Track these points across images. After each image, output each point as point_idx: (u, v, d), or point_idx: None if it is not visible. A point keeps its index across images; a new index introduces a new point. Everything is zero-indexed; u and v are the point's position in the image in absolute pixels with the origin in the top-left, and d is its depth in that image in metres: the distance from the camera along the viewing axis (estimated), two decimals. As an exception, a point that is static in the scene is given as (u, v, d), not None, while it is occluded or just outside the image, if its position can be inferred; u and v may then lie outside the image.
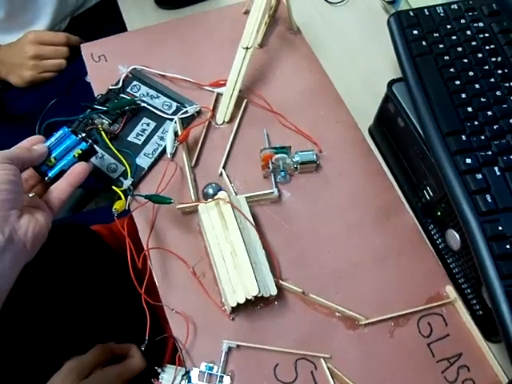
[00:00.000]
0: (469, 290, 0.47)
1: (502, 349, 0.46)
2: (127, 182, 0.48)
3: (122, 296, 0.59)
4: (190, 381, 0.42)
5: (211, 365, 0.43)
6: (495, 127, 0.45)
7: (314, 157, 0.50)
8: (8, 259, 0.36)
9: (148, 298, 0.43)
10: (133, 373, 0.48)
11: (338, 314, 0.45)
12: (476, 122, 0.45)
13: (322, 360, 0.43)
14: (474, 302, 0.46)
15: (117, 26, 0.68)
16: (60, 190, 0.43)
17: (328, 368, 0.43)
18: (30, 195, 0.42)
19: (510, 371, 0.44)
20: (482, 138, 0.44)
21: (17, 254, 0.37)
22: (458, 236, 0.45)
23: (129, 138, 0.52)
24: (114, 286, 0.59)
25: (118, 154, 0.49)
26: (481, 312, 0.46)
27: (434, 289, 0.47)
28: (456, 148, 0.44)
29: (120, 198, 0.45)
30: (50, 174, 0.44)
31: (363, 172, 0.52)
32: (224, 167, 0.51)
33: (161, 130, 0.52)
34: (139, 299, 0.43)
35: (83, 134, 0.46)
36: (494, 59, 0.49)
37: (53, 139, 0.45)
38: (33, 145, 0.44)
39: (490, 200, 0.42)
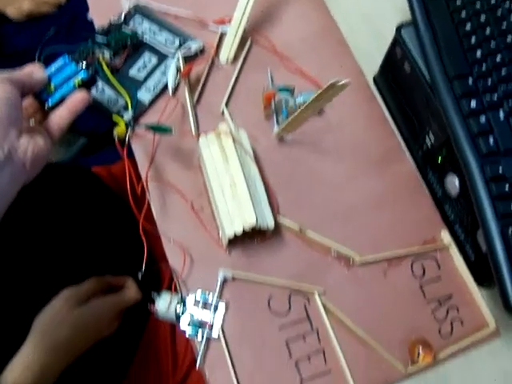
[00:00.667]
0: (463, 236, 0.47)
1: (491, 294, 0.46)
2: (128, 115, 0.47)
3: (119, 233, 0.59)
4: (185, 306, 0.43)
5: (206, 293, 0.43)
6: (503, 72, 0.44)
7: (318, 99, 0.49)
8: (7, 176, 0.36)
9: (146, 225, 0.43)
10: (128, 303, 0.49)
11: (333, 252, 0.46)
12: (484, 66, 0.44)
13: (316, 294, 0.44)
14: (468, 247, 0.47)
15: None
16: (60, 117, 0.42)
17: (321, 302, 0.44)
18: (30, 123, 0.42)
19: (498, 314, 0.45)
20: (489, 81, 0.44)
21: (16, 172, 0.37)
22: (457, 181, 0.46)
23: (130, 73, 0.51)
24: (111, 224, 0.59)
25: (119, 87, 0.49)
26: (474, 257, 0.46)
27: (429, 233, 0.48)
28: (461, 91, 0.43)
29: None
30: (49, 102, 0.43)
31: (365, 117, 0.52)
32: (226, 106, 0.50)
33: (163, 66, 0.51)
34: (136, 234, 0.43)
35: (84, 63, 0.45)
36: (507, 4, 0.48)
37: (52, 68, 0.44)
38: (32, 72, 0.43)
39: (492, 142, 0.42)
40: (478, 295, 0.45)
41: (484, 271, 0.48)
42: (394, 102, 0.54)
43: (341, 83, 0.42)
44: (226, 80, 0.52)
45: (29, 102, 0.44)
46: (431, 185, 0.50)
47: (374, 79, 0.57)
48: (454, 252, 0.47)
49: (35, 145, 0.38)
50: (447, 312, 0.45)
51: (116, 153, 0.44)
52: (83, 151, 0.60)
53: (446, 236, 0.47)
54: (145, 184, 0.45)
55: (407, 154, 0.52)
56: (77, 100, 0.43)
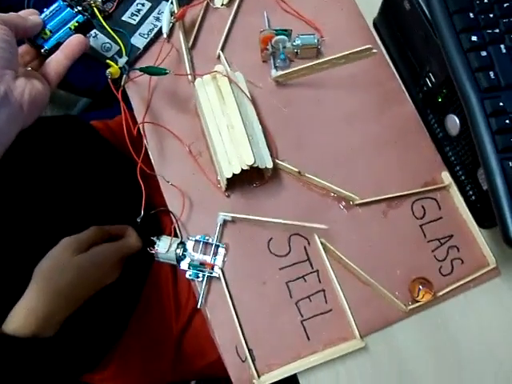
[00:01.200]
0: (464, 177, 0.47)
1: (492, 234, 0.46)
2: (122, 60, 0.47)
3: (118, 182, 0.59)
4: (185, 250, 0.43)
5: (206, 236, 0.44)
6: (505, 5, 0.43)
7: (316, 41, 0.48)
8: (4, 116, 0.35)
9: (144, 172, 0.43)
10: (129, 251, 0.49)
11: (332, 194, 0.46)
12: (486, 0, 0.43)
13: (316, 235, 0.44)
14: (468, 188, 0.47)
15: None
16: (57, 62, 0.42)
17: (321, 243, 0.44)
18: (28, 69, 0.41)
19: (499, 254, 0.45)
20: (491, 15, 0.43)
21: (13, 113, 0.36)
22: (457, 120, 0.45)
23: (123, 18, 0.49)
24: (109, 174, 0.59)
25: (112, 32, 0.48)
26: (474, 198, 0.46)
27: (429, 175, 0.47)
28: (462, 26, 0.42)
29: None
30: (46, 46, 0.42)
31: (365, 60, 0.50)
32: (222, 50, 0.49)
33: (156, 10, 0.50)
34: (135, 184, 0.43)
35: (79, 8, 0.44)
36: None
37: (47, 12, 0.43)
38: (26, 15, 0.42)
39: (493, 77, 0.41)
40: (479, 234, 0.45)
41: (484, 211, 0.47)
42: (394, 45, 0.53)
43: (373, 51, 0.42)
44: (222, 23, 0.51)
45: (25, 49, 0.43)
46: (431, 126, 0.49)
47: (374, 23, 0.55)
48: (455, 192, 0.47)
49: (32, 87, 0.38)
50: (447, 251, 0.45)
51: (114, 110, 0.44)
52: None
53: (446, 177, 0.47)
54: (141, 129, 0.45)
55: (407, 96, 0.51)
56: (73, 44, 0.42)
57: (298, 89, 0.49)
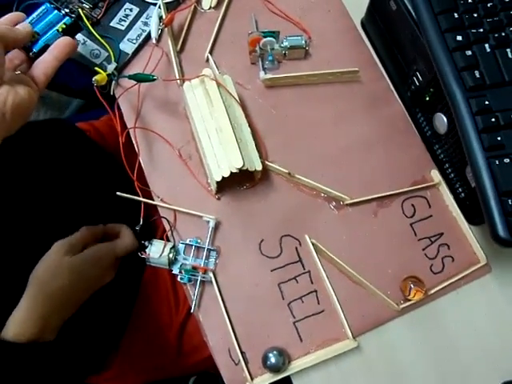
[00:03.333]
0: (453, 175, 0.47)
1: (482, 231, 0.47)
2: (111, 67, 0.47)
3: (107, 185, 0.59)
4: (177, 254, 0.43)
5: (198, 239, 0.44)
6: (489, 5, 0.43)
7: (303, 42, 0.49)
8: None
9: (139, 184, 0.43)
10: (125, 250, 0.49)
11: (323, 194, 0.46)
12: (470, 0, 0.44)
13: (307, 236, 0.44)
14: (458, 185, 0.47)
15: None
16: (45, 63, 0.42)
17: (312, 244, 0.44)
18: (17, 73, 0.41)
19: (489, 251, 0.46)
20: (475, 15, 0.43)
21: None
22: (445, 118, 0.45)
23: (111, 24, 0.50)
24: (98, 177, 0.59)
25: (101, 39, 0.48)
26: (463, 195, 0.46)
27: (419, 173, 0.48)
28: (447, 26, 0.43)
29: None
30: (34, 49, 0.42)
31: (353, 61, 0.51)
32: (210, 53, 0.50)
33: (144, 15, 0.50)
34: (125, 186, 0.43)
35: (66, 10, 0.44)
36: None
37: (34, 15, 0.44)
38: (13, 22, 0.42)
39: (478, 76, 0.41)
40: (469, 232, 0.46)
41: (474, 208, 0.48)
42: (382, 44, 0.53)
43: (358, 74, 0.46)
44: (210, 26, 0.51)
45: (14, 55, 0.43)
46: (420, 125, 0.50)
47: (362, 22, 0.55)
48: (444, 190, 0.47)
49: (16, 95, 0.38)
50: (438, 249, 0.45)
51: (101, 110, 0.44)
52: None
53: (435, 175, 0.47)
54: (132, 134, 0.45)
55: (396, 96, 0.51)
56: (61, 45, 0.42)
57: (286, 90, 0.49)
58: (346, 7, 0.54)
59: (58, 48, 0.41)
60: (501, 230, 0.39)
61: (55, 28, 0.43)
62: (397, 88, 0.51)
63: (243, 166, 0.41)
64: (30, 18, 0.43)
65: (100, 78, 0.42)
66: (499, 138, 0.40)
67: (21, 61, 0.43)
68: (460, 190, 0.47)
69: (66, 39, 0.42)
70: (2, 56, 0.37)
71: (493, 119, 0.40)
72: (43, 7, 0.44)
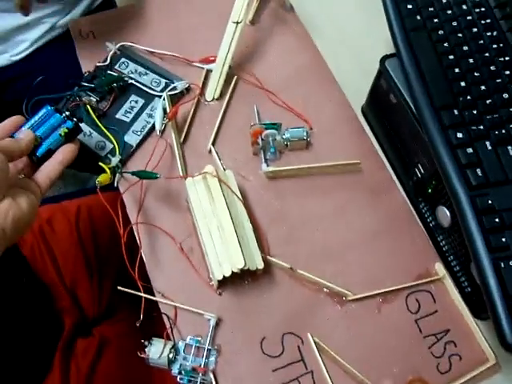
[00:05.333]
0: (458, 268, 0.47)
1: (489, 326, 0.45)
2: (115, 160, 0.48)
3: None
4: (177, 353, 0.42)
5: (198, 338, 0.43)
6: (488, 102, 0.44)
7: (305, 134, 0.49)
8: None
9: (140, 281, 0.43)
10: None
11: (325, 289, 0.45)
12: (469, 97, 0.44)
13: (309, 335, 0.43)
14: (463, 279, 0.46)
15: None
16: (50, 168, 0.43)
17: (315, 342, 0.43)
18: (20, 177, 0.42)
19: (497, 348, 0.44)
20: (475, 112, 0.44)
21: None
22: (448, 212, 0.45)
23: (117, 116, 0.51)
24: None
25: (106, 131, 0.49)
26: (469, 289, 0.45)
27: (423, 266, 0.47)
28: (448, 122, 0.43)
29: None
30: (37, 153, 0.43)
31: (354, 151, 0.51)
32: (213, 144, 0.51)
33: (149, 107, 0.52)
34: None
35: (67, 113, 0.45)
36: (489, 34, 0.48)
37: (36, 118, 0.44)
38: (14, 126, 0.43)
39: (480, 174, 0.41)
40: (476, 329, 0.44)
41: (481, 303, 0.47)
42: (383, 133, 0.54)
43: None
44: (213, 117, 0.52)
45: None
46: (423, 215, 0.50)
47: (362, 110, 0.57)
48: (449, 284, 0.46)
49: (17, 209, 0.38)
50: (445, 347, 0.44)
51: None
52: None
53: (440, 268, 0.46)
54: (135, 229, 0.45)
55: (398, 184, 0.51)
56: (65, 151, 0.44)
57: (288, 181, 0.49)
58: (347, 95, 0.55)
59: (63, 154, 0.43)
60: (509, 336, 0.37)
61: (57, 132, 0.44)
62: (399, 177, 0.52)
63: (245, 266, 0.40)
64: (32, 122, 0.43)
65: (103, 179, 0.42)
66: (504, 239, 0.39)
67: (24, 163, 0.43)
68: (465, 284, 0.46)
69: (69, 146, 0.43)
70: (7, 169, 0.38)
71: (497, 219, 0.40)
72: (44, 111, 0.44)
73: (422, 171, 0.48)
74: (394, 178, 0.52)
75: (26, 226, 0.39)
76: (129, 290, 0.44)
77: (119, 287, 0.44)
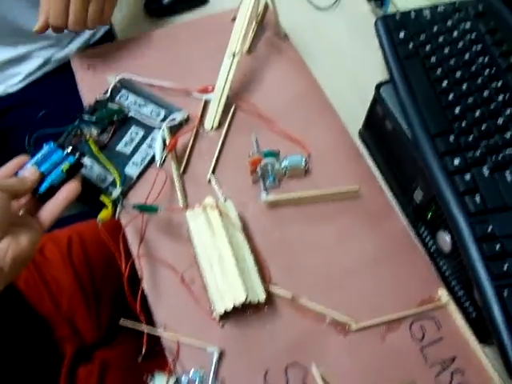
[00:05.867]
0: (461, 293, 0.46)
1: (496, 351, 0.45)
2: (116, 192, 0.48)
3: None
4: (180, 387, 0.42)
5: (201, 371, 0.42)
6: (483, 127, 0.44)
7: (303, 161, 0.50)
8: None
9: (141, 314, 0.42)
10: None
11: (328, 319, 0.45)
12: (464, 123, 0.45)
13: (314, 365, 0.43)
14: (467, 304, 0.46)
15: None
16: (53, 206, 0.43)
17: (319, 374, 0.42)
18: (20, 213, 0.42)
19: (505, 373, 0.43)
20: (470, 138, 0.44)
21: None
22: (448, 238, 0.45)
23: (118, 148, 0.52)
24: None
25: (107, 163, 0.49)
26: (474, 314, 0.45)
27: (426, 292, 0.47)
28: (444, 149, 0.44)
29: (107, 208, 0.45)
30: (40, 190, 0.43)
31: (353, 176, 0.52)
32: (213, 173, 0.51)
33: (149, 138, 0.52)
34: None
35: (70, 148, 0.46)
36: (481, 59, 0.48)
37: (39, 155, 0.45)
38: (19, 165, 0.44)
39: (478, 201, 0.41)
40: (483, 356, 0.44)
41: (487, 328, 0.46)
42: (381, 157, 0.54)
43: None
44: (212, 146, 0.53)
45: None
46: (424, 240, 0.49)
47: (360, 134, 0.57)
48: (453, 310, 0.46)
49: (16, 247, 0.38)
50: (452, 376, 0.43)
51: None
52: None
53: (443, 294, 0.46)
54: (137, 261, 0.45)
55: (398, 208, 0.51)
56: (69, 189, 0.44)
57: (288, 209, 0.50)
58: (344, 120, 0.56)
59: (66, 192, 0.43)
60: (515, 365, 0.37)
61: (60, 168, 0.44)
62: (398, 201, 0.52)
63: (246, 299, 0.40)
64: (36, 159, 0.44)
65: (105, 215, 0.43)
66: (506, 267, 0.39)
67: (26, 199, 0.44)
68: (470, 309, 0.45)
69: (73, 183, 0.44)
70: (9, 208, 0.38)
71: (497, 246, 0.39)
72: (47, 147, 0.45)
73: (421, 196, 0.48)
74: (394, 202, 0.52)
75: (25, 264, 0.39)
76: (130, 325, 0.44)
77: (121, 321, 0.44)
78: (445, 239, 0.45)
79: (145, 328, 0.42)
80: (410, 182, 0.49)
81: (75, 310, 0.61)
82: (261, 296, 0.42)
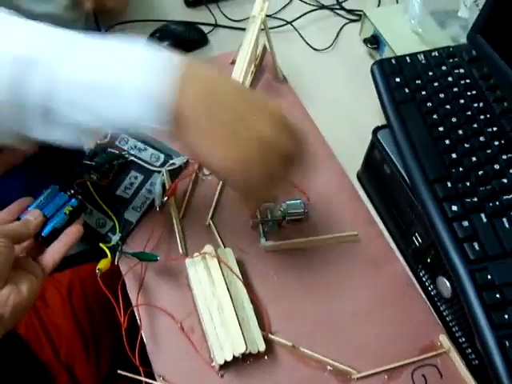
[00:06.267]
0: (463, 339, 0.46)
1: (501, 399, 0.44)
2: (115, 238, 0.48)
3: None
4: None
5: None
6: (480, 173, 0.45)
7: (302, 206, 0.50)
8: None
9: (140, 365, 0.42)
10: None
11: (329, 367, 0.44)
12: (461, 168, 0.45)
13: (315, 418, 0.42)
14: (469, 351, 0.45)
15: None
16: (54, 250, 0.43)
17: (321, 426, 0.42)
18: (21, 255, 0.42)
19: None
20: (468, 184, 0.44)
21: None
22: (448, 284, 0.45)
23: (117, 192, 0.52)
24: None
25: (107, 209, 0.50)
26: (477, 361, 0.45)
27: (427, 338, 0.46)
28: (442, 195, 0.44)
29: (106, 255, 0.45)
30: (42, 233, 0.43)
31: (352, 219, 0.52)
32: (212, 218, 0.51)
33: (149, 182, 0.53)
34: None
35: (72, 191, 0.46)
36: (476, 104, 0.49)
37: (42, 198, 0.45)
38: (22, 208, 0.44)
39: (477, 248, 0.41)
40: (486, 404, 0.43)
41: (489, 376, 0.46)
42: (379, 200, 0.54)
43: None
44: (211, 191, 0.53)
45: None
46: (424, 284, 0.49)
47: (358, 176, 0.57)
48: (455, 357, 0.45)
49: (17, 295, 0.38)
50: (455, 427, 0.43)
51: None
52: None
53: (444, 340, 0.46)
54: (136, 312, 0.45)
55: (397, 252, 0.51)
56: (71, 233, 0.44)
57: (287, 254, 0.50)
58: (341, 162, 0.56)
59: (69, 236, 0.43)
60: (519, 418, 0.36)
61: (63, 210, 0.44)
62: (398, 244, 0.52)
63: (246, 350, 0.40)
64: (38, 201, 0.44)
65: (103, 265, 0.42)
66: (507, 316, 0.39)
67: (29, 243, 0.43)
68: (472, 355, 0.45)
69: (75, 227, 0.44)
70: (11, 255, 0.38)
71: (498, 295, 0.39)
72: (50, 190, 0.45)
73: (420, 240, 0.48)
74: (393, 244, 0.52)
75: (25, 311, 0.39)
76: (129, 374, 0.43)
77: (119, 371, 0.43)
78: (445, 285, 0.45)
79: (143, 380, 0.42)
80: (409, 226, 0.49)
81: (74, 356, 0.60)
82: (261, 346, 0.42)
